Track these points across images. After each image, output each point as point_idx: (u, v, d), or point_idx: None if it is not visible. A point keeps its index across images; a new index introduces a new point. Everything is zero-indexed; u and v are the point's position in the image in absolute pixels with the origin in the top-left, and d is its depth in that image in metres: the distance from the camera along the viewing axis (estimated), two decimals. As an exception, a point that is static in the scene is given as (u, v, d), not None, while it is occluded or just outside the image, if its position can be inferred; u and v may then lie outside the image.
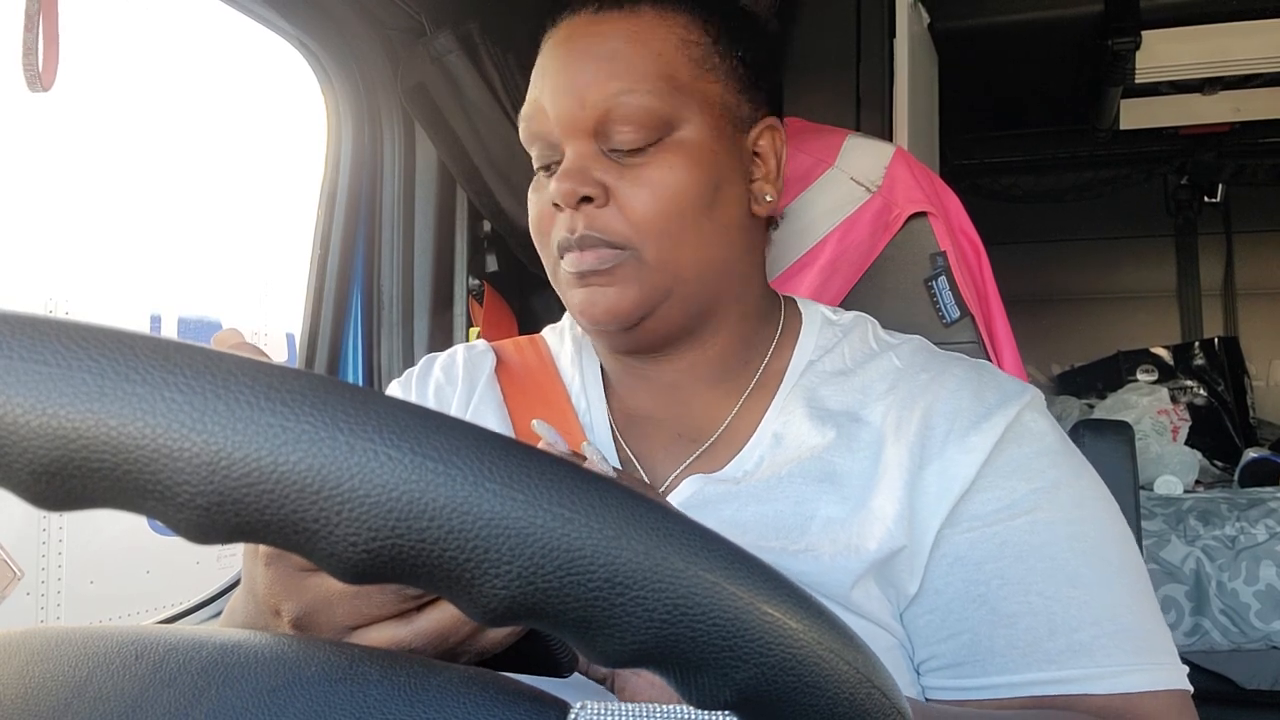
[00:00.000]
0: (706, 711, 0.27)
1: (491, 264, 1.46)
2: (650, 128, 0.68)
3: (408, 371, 0.86)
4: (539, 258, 0.75)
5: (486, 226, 1.43)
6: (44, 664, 0.31)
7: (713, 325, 0.74)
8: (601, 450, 0.73)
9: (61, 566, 2.31)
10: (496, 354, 0.84)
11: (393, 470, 0.23)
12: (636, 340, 0.73)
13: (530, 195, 0.74)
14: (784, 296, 0.81)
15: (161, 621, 1.17)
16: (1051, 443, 0.66)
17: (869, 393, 0.71)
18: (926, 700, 0.65)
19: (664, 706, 0.29)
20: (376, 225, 1.36)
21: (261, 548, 0.46)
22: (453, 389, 0.81)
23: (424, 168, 1.38)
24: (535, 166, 0.74)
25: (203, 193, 2.75)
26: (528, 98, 0.73)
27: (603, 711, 0.28)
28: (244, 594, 0.50)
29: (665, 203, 0.68)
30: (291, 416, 0.23)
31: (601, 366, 0.81)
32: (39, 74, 0.72)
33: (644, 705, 0.29)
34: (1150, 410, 2.47)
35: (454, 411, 0.80)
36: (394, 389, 0.86)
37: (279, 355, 2.95)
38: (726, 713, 0.26)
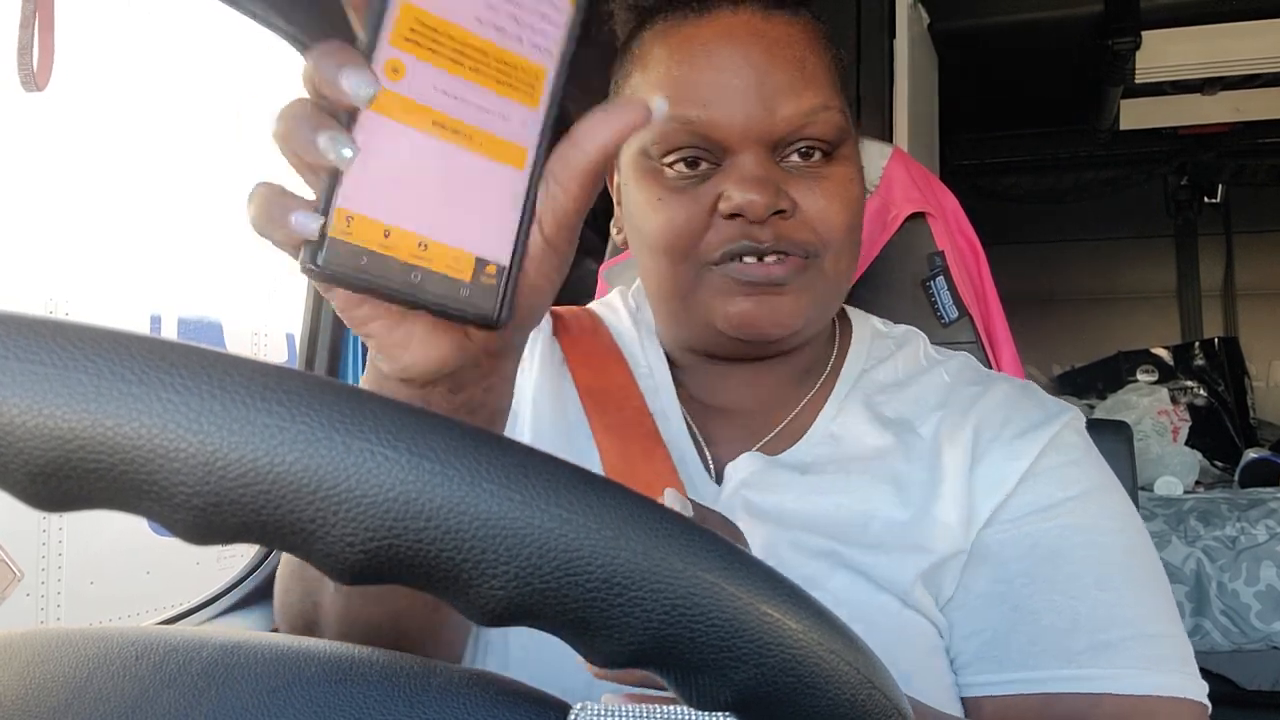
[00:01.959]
0: (706, 712, 0.27)
1: (491, 264, 1.45)
2: (835, 142, 0.67)
3: None
4: None
5: (486, 227, 1.43)
6: (44, 665, 0.31)
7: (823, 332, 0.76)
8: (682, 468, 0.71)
9: (61, 567, 2.31)
10: (553, 316, 0.82)
11: (389, 470, 0.23)
12: (770, 349, 0.72)
13: (661, 196, 0.68)
14: None
15: (162, 622, 1.17)
16: (1088, 457, 0.68)
17: (921, 405, 0.72)
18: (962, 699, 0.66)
19: (664, 707, 0.29)
20: (376, 226, 1.36)
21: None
22: None
23: (424, 168, 1.38)
24: (671, 161, 0.67)
25: (203, 193, 2.75)
26: (664, 85, 0.67)
27: (603, 712, 0.28)
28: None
29: (849, 215, 0.68)
30: (287, 417, 0.23)
31: (667, 355, 0.79)
32: (34, 73, 0.72)
33: (644, 705, 0.29)
34: (1150, 411, 2.46)
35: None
36: None
37: (279, 356, 2.95)
38: (726, 713, 0.26)
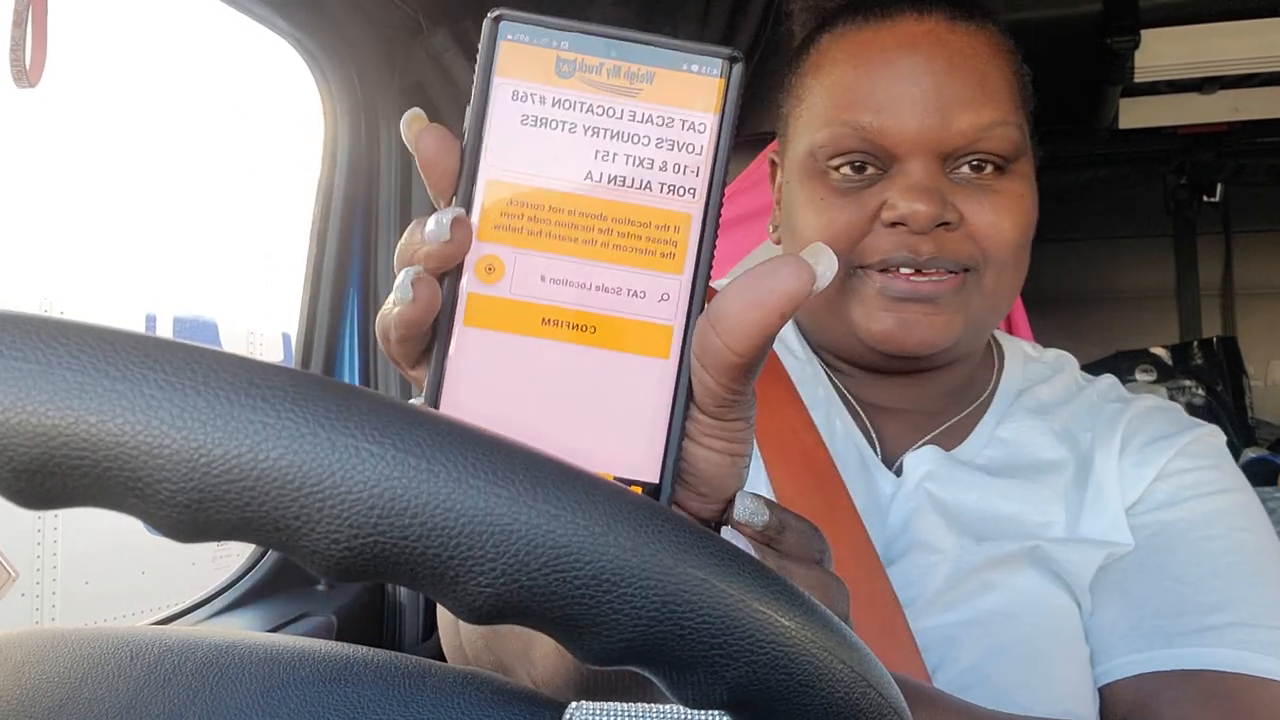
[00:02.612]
0: (699, 712, 0.26)
1: (488, 263, 1.45)
2: (1009, 158, 0.66)
3: None
4: None
5: (483, 226, 1.43)
6: (39, 666, 0.31)
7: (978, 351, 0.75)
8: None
9: (56, 568, 2.31)
10: None
11: (374, 467, 0.23)
12: (918, 364, 0.71)
13: (823, 197, 0.67)
14: None
15: (156, 622, 1.17)
16: (1220, 465, 0.69)
17: (1079, 424, 0.73)
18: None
19: (658, 706, 0.28)
20: (373, 225, 1.36)
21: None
22: None
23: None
24: (838, 164, 0.66)
25: (199, 192, 2.75)
26: (840, 89, 0.66)
27: (598, 711, 0.28)
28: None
29: (1019, 231, 0.66)
30: (272, 413, 0.23)
31: (820, 355, 0.77)
32: (25, 70, 0.72)
33: (639, 705, 0.28)
34: (1149, 410, 2.46)
35: None
36: None
37: (275, 356, 2.95)
38: (720, 713, 0.26)
